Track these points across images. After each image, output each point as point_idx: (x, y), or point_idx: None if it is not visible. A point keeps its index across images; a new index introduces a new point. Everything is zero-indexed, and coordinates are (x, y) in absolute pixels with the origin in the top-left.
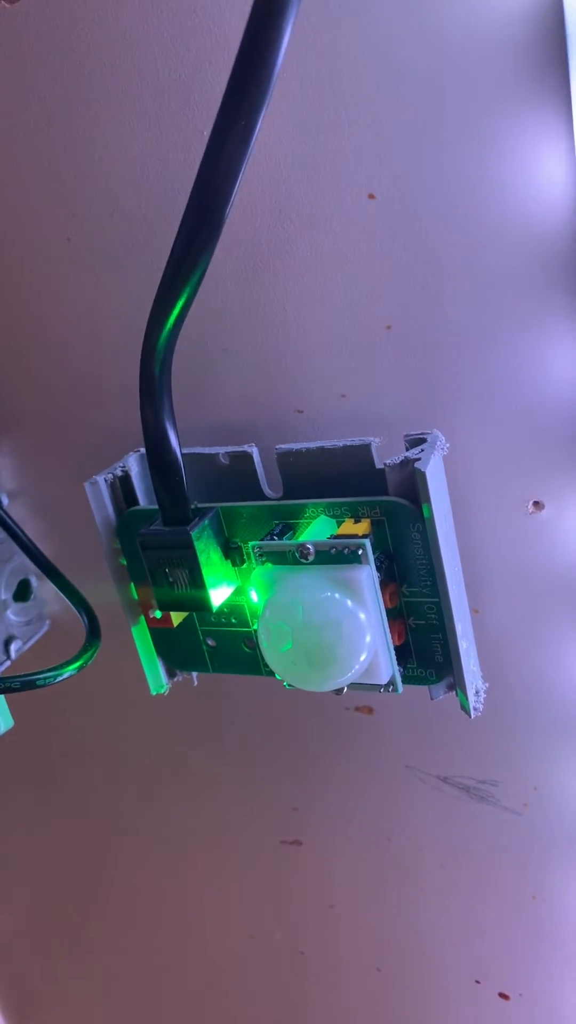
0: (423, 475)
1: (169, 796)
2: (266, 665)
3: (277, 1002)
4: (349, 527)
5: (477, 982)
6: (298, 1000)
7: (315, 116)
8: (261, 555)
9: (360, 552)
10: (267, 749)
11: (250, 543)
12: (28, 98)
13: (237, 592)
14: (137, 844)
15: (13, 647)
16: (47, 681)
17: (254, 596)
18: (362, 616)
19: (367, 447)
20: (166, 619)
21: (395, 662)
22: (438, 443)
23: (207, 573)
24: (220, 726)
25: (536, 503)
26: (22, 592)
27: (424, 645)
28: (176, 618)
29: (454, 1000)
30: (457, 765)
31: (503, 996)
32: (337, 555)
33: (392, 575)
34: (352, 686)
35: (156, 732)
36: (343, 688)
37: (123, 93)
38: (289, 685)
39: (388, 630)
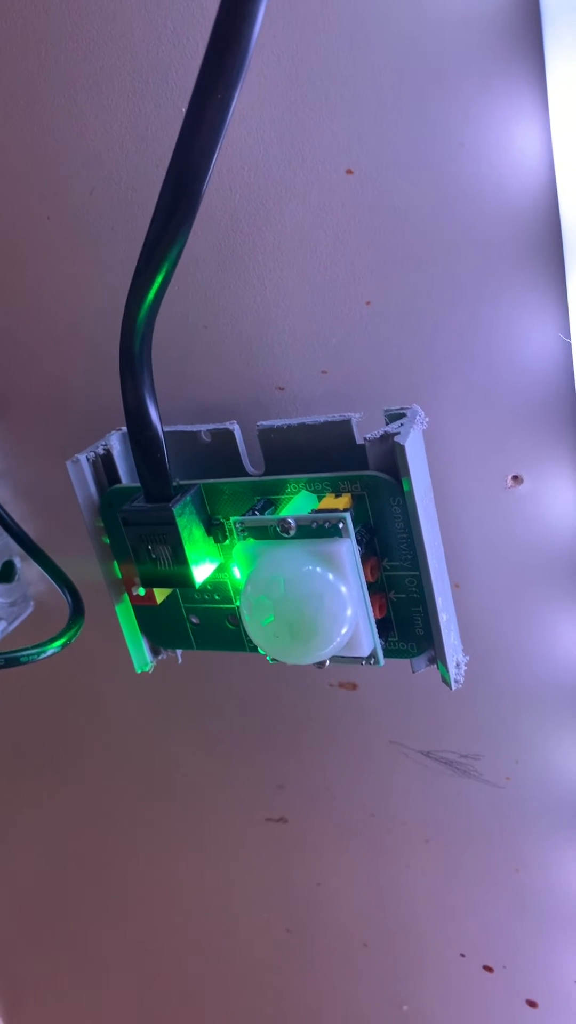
0: (402, 449)
1: (154, 775)
2: (250, 641)
3: (265, 980)
4: (330, 502)
5: (462, 955)
6: (286, 977)
7: (292, 92)
8: (243, 530)
9: (340, 526)
10: (252, 727)
11: (232, 518)
12: (6, 77)
13: (220, 569)
14: (122, 824)
15: None
16: (31, 658)
17: (237, 573)
18: (343, 589)
19: (347, 422)
20: (149, 596)
21: (376, 635)
22: (418, 418)
23: (189, 549)
24: (204, 704)
25: (515, 477)
26: (6, 573)
27: (405, 618)
28: (159, 595)
29: (439, 974)
30: (440, 740)
31: (487, 969)
32: (318, 529)
33: (373, 549)
34: (334, 659)
35: (140, 710)
36: (325, 661)
37: (101, 71)
38: (272, 659)
39: (369, 603)
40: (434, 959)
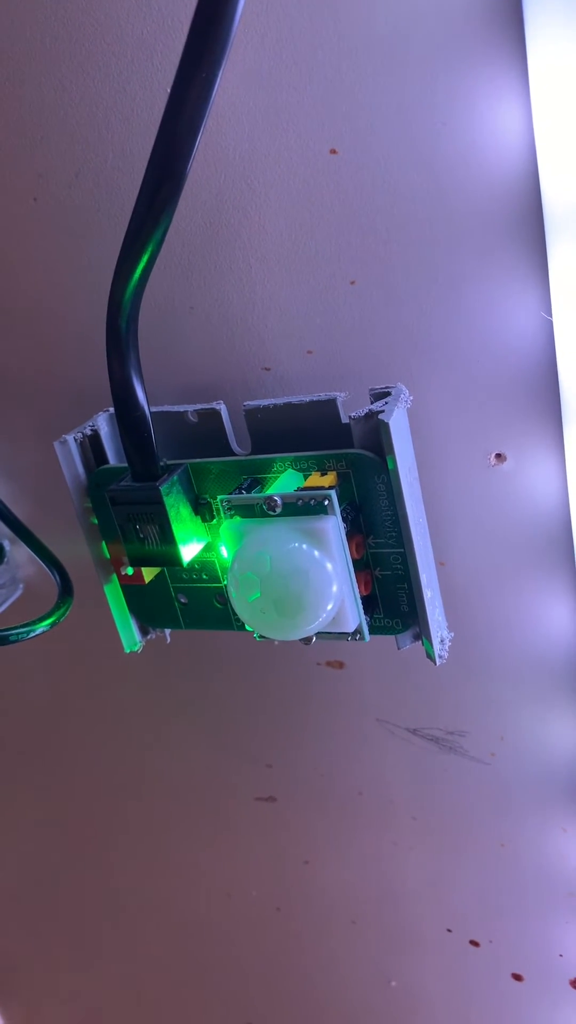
0: (387, 427)
1: (142, 755)
2: (238, 620)
3: (255, 958)
4: (316, 480)
5: (449, 931)
6: (276, 955)
7: (276, 71)
8: (229, 508)
9: (326, 503)
10: (240, 706)
11: (219, 497)
12: None
13: (207, 548)
14: (111, 805)
15: None
16: (19, 637)
17: (224, 552)
18: (329, 566)
19: (333, 402)
20: (138, 576)
21: (362, 611)
22: (402, 396)
23: (177, 528)
24: (193, 684)
25: (498, 455)
26: None
27: (390, 595)
28: (148, 574)
29: (427, 949)
30: (426, 717)
31: (473, 943)
32: (304, 507)
33: (359, 527)
34: (320, 635)
35: (129, 690)
36: (312, 637)
37: (87, 52)
38: (259, 636)
39: (355, 580)
40: (421, 934)
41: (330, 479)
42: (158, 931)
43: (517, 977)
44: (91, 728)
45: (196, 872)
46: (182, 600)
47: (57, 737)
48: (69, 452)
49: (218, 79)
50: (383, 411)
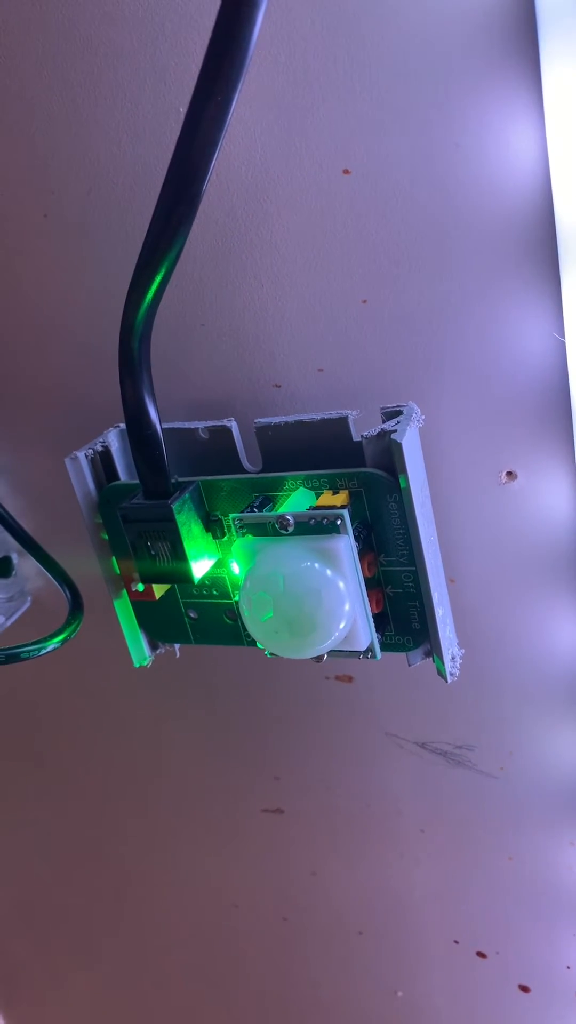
0: (399, 446)
1: (152, 768)
2: (247, 635)
3: (261, 968)
4: (327, 499)
5: (456, 942)
6: (282, 965)
7: (290, 92)
8: (241, 527)
9: (338, 522)
10: (249, 720)
11: (230, 515)
12: (4, 76)
13: (218, 564)
14: (120, 816)
15: None
16: (31, 654)
17: (235, 568)
18: (341, 585)
19: (344, 420)
20: (148, 592)
21: (373, 629)
22: (414, 415)
23: (188, 545)
24: (202, 698)
25: (509, 473)
26: (4, 568)
27: (402, 613)
28: (158, 591)
29: (434, 960)
30: (435, 731)
31: (480, 955)
32: (316, 526)
33: (370, 545)
34: (332, 653)
35: (139, 705)
36: (323, 655)
37: (99, 71)
38: (271, 654)
39: (367, 598)
40: (428, 946)
41: (342, 498)
42: (164, 940)
43: (524, 989)
44: (100, 738)
45: (203, 882)
46: (192, 616)
47: (65, 746)
48: (80, 468)
49: (234, 101)
50: (395, 430)
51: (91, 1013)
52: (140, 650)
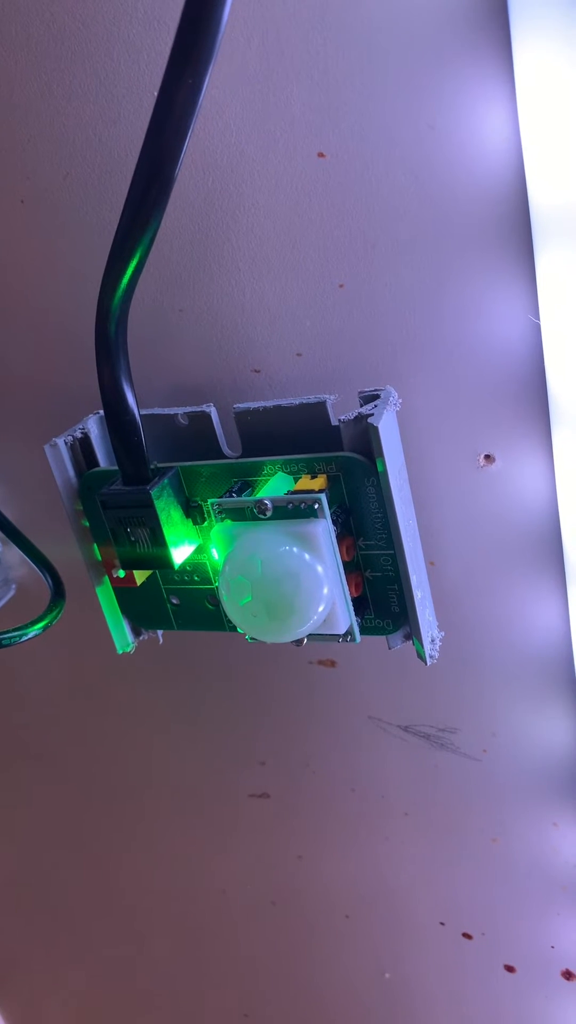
0: (376, 430)
1: (136, 754)
2: (229, 621)
3: (251, 952)
4: (306, 483)
5: (441, 924)
6: (271, 949)
7: (263, 75)
8: (220, 512)
9: (316, 506)
10: (233, 705)
11: (210, 500)
12: None
13: (199, 550)
14: (106, 804)
15: None
16: (12, 640)
17: (215, 554)
18: (319, 569)
19: (322, 404)
20: (129, 578)
21: (352, 613)
22: (391, 399)
23: (168, 531)
24: (186, 683)
25: (487, 456)
26: None
27: (381, 596)
28: (139, 577)
29: (420, 942)
30: (418, 714)
31: (466, 936)
32: (294, 510)
33: (349, 529)
34: (312, 637)
35: (122, 691)
36: (303, 639)
37: (72, 53)
38: (251, 638)
39: (345, 582)
40: (414, 928)
41: (320, 482)
42: (154, 926)
43: (510, 969)
44: (85, 727)
45: (191, 868)
46: (174, 601)
47: (51, 736)
48: (59, 455)
49: (205, 84)
50: (372, 414)
51: (84, 1000)
52: (123, 636)
